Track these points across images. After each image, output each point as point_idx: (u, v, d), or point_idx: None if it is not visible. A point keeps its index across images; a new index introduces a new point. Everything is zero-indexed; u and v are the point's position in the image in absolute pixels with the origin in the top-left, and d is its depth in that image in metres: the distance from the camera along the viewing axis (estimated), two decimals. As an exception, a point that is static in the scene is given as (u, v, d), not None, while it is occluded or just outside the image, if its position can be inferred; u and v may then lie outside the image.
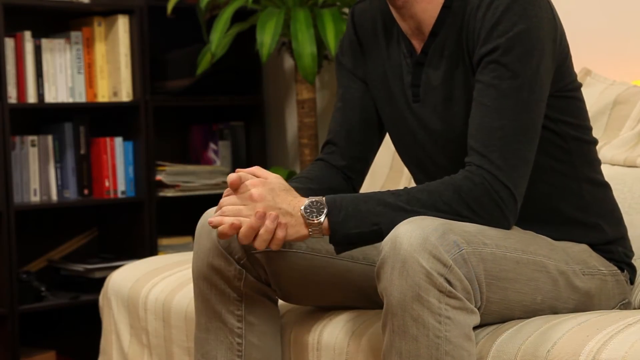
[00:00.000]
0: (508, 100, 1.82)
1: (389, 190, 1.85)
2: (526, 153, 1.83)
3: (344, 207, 1.82)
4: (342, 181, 2.10)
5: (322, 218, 1.82)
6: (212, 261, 1.99)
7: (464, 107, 1.90)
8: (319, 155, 2.14)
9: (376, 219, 1.80)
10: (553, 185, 1.96)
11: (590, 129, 2.01)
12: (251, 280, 2.00)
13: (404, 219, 1.75)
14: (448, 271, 1.68)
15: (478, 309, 1.74)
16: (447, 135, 1.94)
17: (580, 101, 1.98)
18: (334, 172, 2.11)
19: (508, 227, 1.83)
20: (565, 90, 1.94)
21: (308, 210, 1.82)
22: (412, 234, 1.69)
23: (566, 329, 1.74)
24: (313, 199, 1.83)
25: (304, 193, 1.89)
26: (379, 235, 1.78)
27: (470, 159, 1.83)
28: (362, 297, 2.07)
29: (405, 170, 2.88)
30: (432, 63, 1.95)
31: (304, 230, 1.83)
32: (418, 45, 1.98)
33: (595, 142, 2.02)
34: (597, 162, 2.03)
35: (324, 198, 1.83)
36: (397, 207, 1.80)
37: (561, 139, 1.95)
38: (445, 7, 1.93)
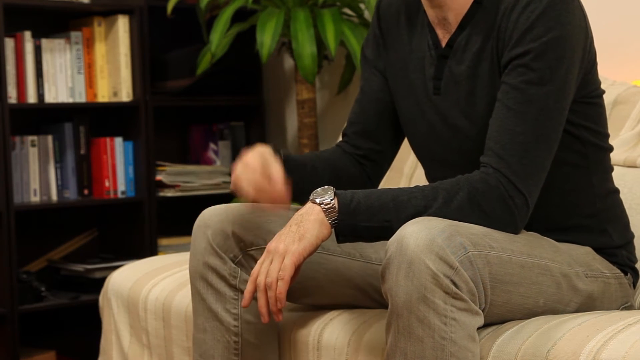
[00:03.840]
0: (533, 106, 1.81)
1: (401, 188, 1.85)
2: (544, 160, 1.83)
3: (355, 199, 1.82)
4: (351, 166, 2.11)
5: (332, 198, 1.81)
6: (208, 260, 2.00)
7: (486, 106, 1.90)
8: (337, 142, 2.16)
9: (388, 215, 1.80)
10: (567, 191, 1.95)
11: (608, 136, 2.00)
12: (247, 278, 2.00)
13: (416, 217, 1.75)
14: (454, 273, 1.67)
15: (482, 310, 1.74)
16: (467, 131, 1.94)
17: (602, 108, 1.98)
18: (346, 157, 2.12)
19: (516, 233, 1.83)
20: (589, 97, 1.94)
21: (315, 195, 1.83)
22: (418, 235, 1.68)
23: (566, 329, 1.73)
24: (319, 189, 1.84)
25: (306, 170, 2.02)
26: (388, 231, 1.77)
27: (487, 160, 1.83)
28: (359, 294, 2.07)
29: (405, 170, 2.88)
30: (456, 56, 1.95)
31: (323, 229, 1.82)
32: (443, 37, 1.98)
33: (611, 149, 2.01)
34: (611, 169, 2.02)
35: (332, 187, 1.84)
36: (411, 204, 1.80)
37: (581, 144, 1.94)
38: (476, 3, 1.93)
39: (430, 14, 1.98)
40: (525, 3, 1.84)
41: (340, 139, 2.18)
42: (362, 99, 2.12)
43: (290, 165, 1.99)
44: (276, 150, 1.97)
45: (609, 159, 2.02)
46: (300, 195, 1.98)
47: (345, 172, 2.08)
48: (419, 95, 2.01)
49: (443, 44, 1.97)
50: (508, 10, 1.87)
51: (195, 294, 2.03)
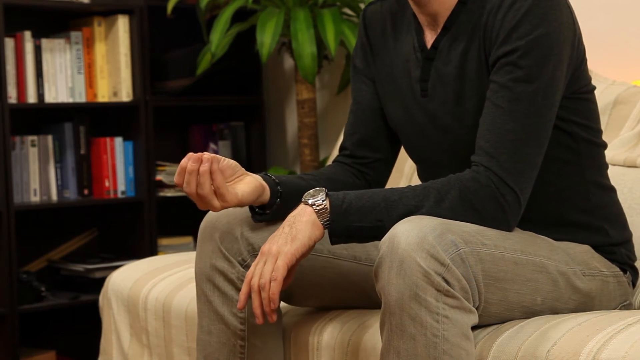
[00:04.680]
0: (521, 104, 1.82)
1: (393, 188, 1.85)
2: (535, 157, 1.83)
3: (347, 200, 1.82)
4: (355, 179, 2.11)
5: (323, 199, 1.82)
6: (215, 263, 1.99)
7: (475, 106, 1.90)
8: (335, 158, 2.15)
9: (380, 215, 1.80)
10: (560, 187, 1.95)
11: (600, 132, 2.00)
12: (254, 282, 1.99)
13: (408, 217, 1.75)
14: (446, 270, 1.68)
15: (476, 308, 1.74)
16: (457, 131, 1.94)
17: (593, 103, 1.98)
18: (347, 171, 2.11)
19: (509, 230, 1.83)
20: (580, 93, 1.94)
21: (307, 196, 1.83)
22: (410, 233, 1.69)
23: (566, 329, 1.73)
24: (311, 191, 1.84)
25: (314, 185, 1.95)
26: (381, 231, 1.78)
27: (478, 159, 1.83)
28: (363, 297, 2.07)
29: (406, 170, 2.88)
30: (441, 57, 1.95)
31: (315, 230, 1.82)
32: (431, 38, 1.98)
33: (604, 145, 2.01)
34: (605, 166, 2.02)
35: (324, 189, 1.84)
36: (402, 204, 1.80)
37: (572, 140, 1.95)
38: (460, 3, 1.93)
39: (421, 17, 1.99)
40: (511, 1, 1.85)
41: (337, 153, 2.17)
42: (357, 109, 2.12)
43: (284, 191, 1.97)
44: (267, 177, 1.96)
45: (603, 155, 2.02)
46: None
47: (347, 186, 2.07)
48: (406, 99, 2.01)
49: (429, 46, 1.98)
50: (494, 10, 1.87)
51: (201, 295, 2.02)
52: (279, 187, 1.95)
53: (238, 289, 1.99)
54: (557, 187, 1.95)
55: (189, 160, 1.85)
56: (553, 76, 1.83)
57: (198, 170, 1.84)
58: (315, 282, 2.03)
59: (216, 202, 1.86)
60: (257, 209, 1.98)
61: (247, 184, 1.91)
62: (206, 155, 1.85)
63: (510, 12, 1.84)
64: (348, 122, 2.14)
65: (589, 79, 1.97)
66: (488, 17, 1.88)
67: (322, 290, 2.06)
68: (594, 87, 1.99)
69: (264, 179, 1.94)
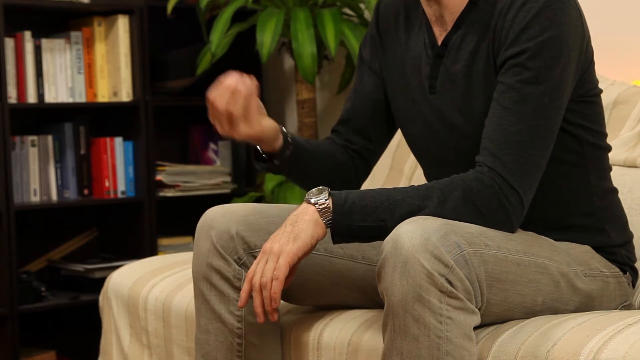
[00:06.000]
0: (528, 105, 1.81)
1: (396, 188, 1.85)
2: (539, 159, 1.83)
3: (350, 199, 1.82)
4: (342, 154, 2.13)
5: (326, 198, 1.82)
6: (212, 262, 2.00)
7: (482, 105, 1.90)
8: (329, 135, 2.18)
9: (382, 214, 1.80)
10: (564, 190, 1.95)
11: (605, 135, 2.00)
12: (250, 280, 2.00)
13: (411, 217, 1.75)
14: (449, 272, 1.68)
15: (478, 309, 1.74)
16: (464, 129, 1.94)
17: (599, 107, 1.98)
18: (337, 146, 2.14)
19: (511, 232, 1.83)
20: (587, 96, 1.94)
21: (310, 195, 1.83)
22: (413, 234, 1.69)
23: (566, 329, 1.74)
24: (314, 189, 1.85)
25: (305, 152, 2.04)
26: (383, 231, 1.78)
27: (482, 159, 1.83)
28: (361, 296, 2.07)
29: (406, 170, 2.88)
30: (450, 55, 1.95)
31: (317, 229, 1.82)
32: (439, 35, 1.98)
33: (609, 148, 2.01)
34: (609, 169, 2.02)
35: (327, 188, 1.84)
36: (405, 204, 1.80)
37: (578, 143, 1.94)
38: (471, 2, 1.93)
39: (428, 11, 1.99)
40: (521, 3, 1.85)
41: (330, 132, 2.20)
42: (355, 97, 2.13)
43: (295, 146, 2.03)
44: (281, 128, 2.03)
45: (607, 158, 2.02)
46: (298, 175, 2.07)
47: (336, 158, 2.10)
48: (415, 95, 2.02)
49: (439, 43, 1.98)
50: (504, 10, 1.87)
51: (199, 294, 2.03)
52: (289, 139, 2.02)
53: (234, 287, 2.00)
54: (561, 190, 1.95)
55: (230, 78, 1.90)
56: (561, 78, 1.83)
57: (235, 89, 1.90)
58: (312, 280, 2.03)
59: (242, 126, 1.94)
60: (264, 155, 2.02)
61: (270, 121, 2.00)
62: (248, 81, 1.91)
63: (521, 13, 1.84)
64: (345, 108, 2.15)
65: (596, 82, 1.96)
66: (498, 18, 1.88)
67: (319, 289, 2.06)
68: (601, 91, 1.98)
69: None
